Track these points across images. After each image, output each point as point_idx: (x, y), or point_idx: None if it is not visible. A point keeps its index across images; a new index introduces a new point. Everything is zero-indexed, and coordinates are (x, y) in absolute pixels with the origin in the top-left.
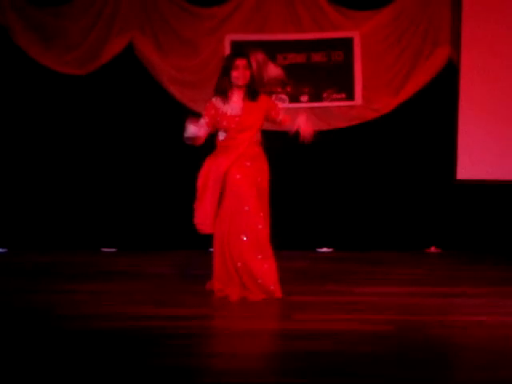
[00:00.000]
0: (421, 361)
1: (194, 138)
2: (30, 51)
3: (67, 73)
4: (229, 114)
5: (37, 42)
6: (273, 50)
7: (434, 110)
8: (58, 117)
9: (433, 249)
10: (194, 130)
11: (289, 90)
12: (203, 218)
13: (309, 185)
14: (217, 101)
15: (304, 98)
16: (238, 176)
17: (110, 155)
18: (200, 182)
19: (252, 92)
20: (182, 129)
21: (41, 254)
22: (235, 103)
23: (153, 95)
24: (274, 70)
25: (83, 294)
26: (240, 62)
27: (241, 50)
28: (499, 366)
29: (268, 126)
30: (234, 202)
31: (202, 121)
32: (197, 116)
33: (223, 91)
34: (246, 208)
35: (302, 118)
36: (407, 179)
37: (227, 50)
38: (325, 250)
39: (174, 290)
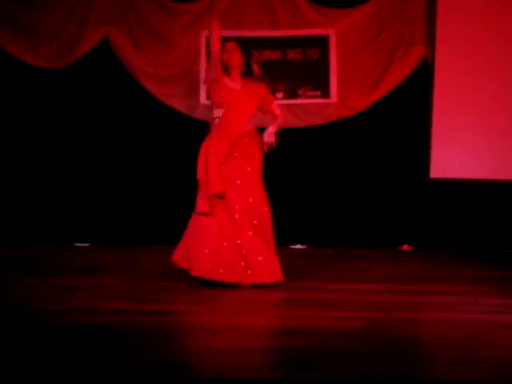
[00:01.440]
0: (393, 357)
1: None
2: (2, 44)
3: (41, 66)
4: (229, 86)
5: (10, 34)
6: (248, 46)
7: (409, 109)
8: (32, 110)
9: (405, 247)
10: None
11: None
12: (205, 204)
13: (282, 181)
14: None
15: (279, 94)
16: (222, 168)
17: (84, 149)
18: (200, 167)
19: (244, 73)
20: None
21: (13, 248)
22: (234, 80)
23: (128, 89)
24: (252, 67)
25: (56, 289)
26: (229, 46)
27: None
28: (470, 364)
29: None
30: (229, 194)
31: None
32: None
33: (223, 68)
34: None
35: (270, 128)
36: (381, 177)
37: (203, 46)
38: (298, 246)
39: (149, 285)
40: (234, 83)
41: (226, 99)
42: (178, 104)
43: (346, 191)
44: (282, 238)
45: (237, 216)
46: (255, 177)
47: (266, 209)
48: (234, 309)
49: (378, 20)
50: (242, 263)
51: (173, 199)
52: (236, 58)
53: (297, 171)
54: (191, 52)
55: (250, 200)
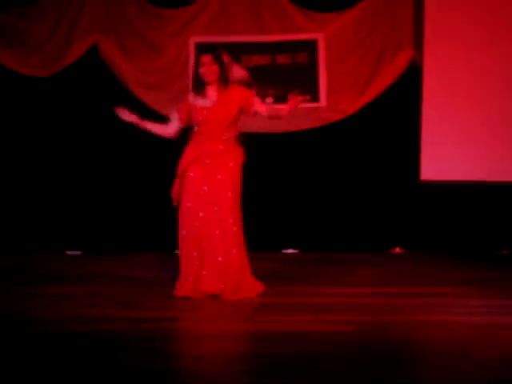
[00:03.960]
0: (382, 360)
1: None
2: None
3: (30, 74)
4: (198, 106)
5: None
6: (237, 51)
7: (398, 112)
8: (21, 119)
9: (397, 249)
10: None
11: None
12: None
13: (274, 186)
14: (191, 96)
15: (269, 99)
16: (191, 174)
17: (74, 157)
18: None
19: (223, 85)
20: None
21: (3, 257)
22: (210, 98)
23: (117, 96)
24: (238, 72)
25: (46, 298)
26: (204, 59)
27: (206, 46)
28: (459, 366)
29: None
30: (193, 201)
31: (175, 115)
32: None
33: (198, 88)
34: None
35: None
36: (372, 180)
37: (192, 52)
38: (290, 251)
39: (140, 292)
40: (204, 100)
41: (196, 118)
42: (167, 110)
43: (337, 195)
44: (274, 243)
45: (197, 224)
46: (225, 186)
47: (231, 221)
48: (220, 315)
49: (365, 23)
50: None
51: (165, 206)
52: (212, 72)
53: (288, 176)
54: (180, 58)
55: (215, 208)
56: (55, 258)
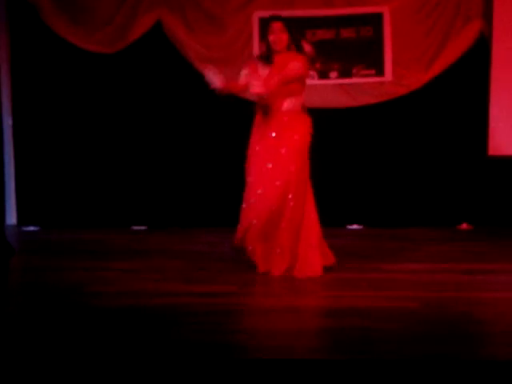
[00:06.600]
0: (447, 337)
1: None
2: (57, 29)
3: (95, 51)
4: (260, 74)
5: (65, 19)
6: (302, 26)
7: (466, 85)
8: (86, 95)
9: (464, 225)
10: (212, 78)
11: (318, 66)
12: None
13: (338, 161)
14: (258, 62)
15: (333, 74)
16: (257, 148)
17: (140, 133)
18: None
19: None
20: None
21: (72, 232)
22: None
23: (182, 73)
24: (306, 47)
25: (114, 272)
26: (275, 25)
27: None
28: None
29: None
30: (255, 176)
31: (243, 72)
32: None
33: (265, 56)
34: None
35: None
36: (439, 155)
37: (255, 27)
38: (355, 226)
39: (205, 267)
40: (267, 69)
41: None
42: None
43: (402, 170)
44: (339, 218)
45: (253, 199)
46: (289, 160)
47: (290, 196)
48: (286, 290)
49: None
50: (250, 247)
51: (228, 181)
52: (282, 40)
53: (353, 151)
54: (244, 33)
55: (277, 184)
56: (121, 232)
